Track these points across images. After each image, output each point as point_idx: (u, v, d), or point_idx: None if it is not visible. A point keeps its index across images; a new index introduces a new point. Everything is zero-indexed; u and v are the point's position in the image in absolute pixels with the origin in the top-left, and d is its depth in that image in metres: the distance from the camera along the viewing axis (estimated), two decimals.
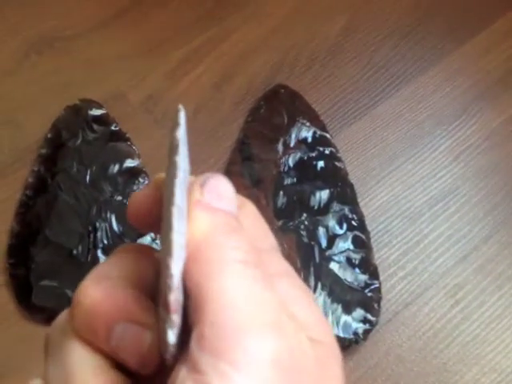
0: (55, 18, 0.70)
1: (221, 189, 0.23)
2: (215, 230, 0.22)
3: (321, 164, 0.61)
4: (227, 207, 0.23)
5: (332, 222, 0.57)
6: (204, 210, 0.23)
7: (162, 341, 0.22)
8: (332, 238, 0.57)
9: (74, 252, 0.55)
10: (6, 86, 0.65)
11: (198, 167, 0.61)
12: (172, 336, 0.21)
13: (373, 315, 0.55)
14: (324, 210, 0.58)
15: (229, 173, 0.60)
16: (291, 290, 0.23)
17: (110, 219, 0.57)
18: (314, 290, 0.55)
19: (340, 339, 0.54)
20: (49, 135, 0.60)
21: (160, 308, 0.22)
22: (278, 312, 0.21)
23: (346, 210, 0.59)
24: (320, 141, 0.62)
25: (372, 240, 0.60)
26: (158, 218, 0.24)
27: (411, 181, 0.63)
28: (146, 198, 0.25)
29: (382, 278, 0.58)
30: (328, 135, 0.63)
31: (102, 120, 0.61)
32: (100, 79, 0.67)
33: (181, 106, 0.24)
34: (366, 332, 0.55)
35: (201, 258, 0.21)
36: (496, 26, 0.71)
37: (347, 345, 0.55)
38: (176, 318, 0.21)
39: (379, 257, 0.60)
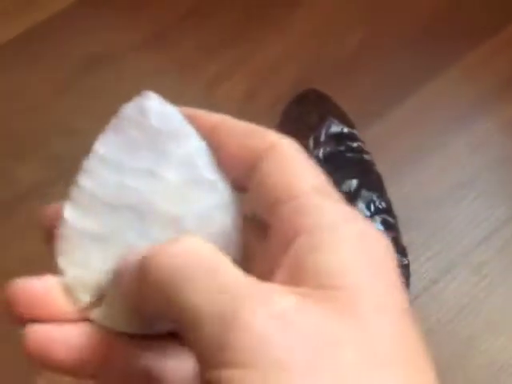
0: (104, 39, 0.76)
1: None
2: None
3: (349, 156, 0.66)
4: None
5: (361, 205, 0.62)
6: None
7: None
8: None
9: None
10: (63, 98, 0.72)
11: None
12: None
13: None
14: (353, 196, 0.63)
15: None
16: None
17: None
18: None
19: None
20: None
21: None
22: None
23: (374, 197, 0.64)
24: (348, 136, 0.67)
25: (400, 224, 0.65)
26: None
27: (435, 170, 0.68)
28: None
29: (410, 258, 0.63)
30: (355, 131, 0.68)
31: None
32: (146, 91, 0.73)
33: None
34: None
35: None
36: (508, 30, 0.76)
37: None
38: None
39: (407, 239, 0.64)
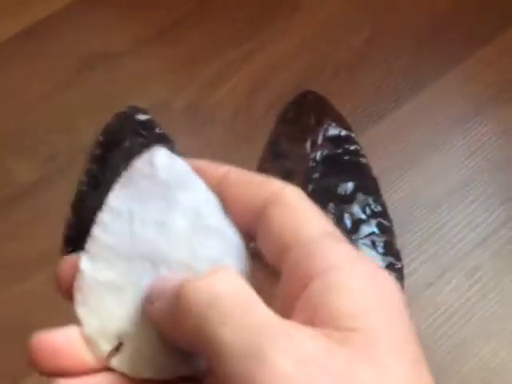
0: (103, 38, 0.77)
1: None
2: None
3: (346, 159, 0.66)
4: None
5: (356, 209, 0.63)
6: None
7: None
8: (357, 223, 0.62)
9: None
10: (62, 97, 0.73)
11: (238, 165, 0.67)
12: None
13: None
14: (349, 198, 0.64)
15: (261, 169, 0.66)
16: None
17: None
18: None
19: None
20: (101, 138, 0.67)
21: None
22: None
23: (370, 200, 0.64)
24: (345, 139, 0.68)
25: (395, 227, 0.65)
26: None
27: (431, 174, 0.69)
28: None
29: (405, 262, 0.63)
30: (353, 134, 0.69)
31: (147, 124, 0.68)
32: (145, 90, 0.74)
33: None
34: None
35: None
36: (509, 32, 0.77)
37: None
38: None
39: (402, 242, 0.65)
